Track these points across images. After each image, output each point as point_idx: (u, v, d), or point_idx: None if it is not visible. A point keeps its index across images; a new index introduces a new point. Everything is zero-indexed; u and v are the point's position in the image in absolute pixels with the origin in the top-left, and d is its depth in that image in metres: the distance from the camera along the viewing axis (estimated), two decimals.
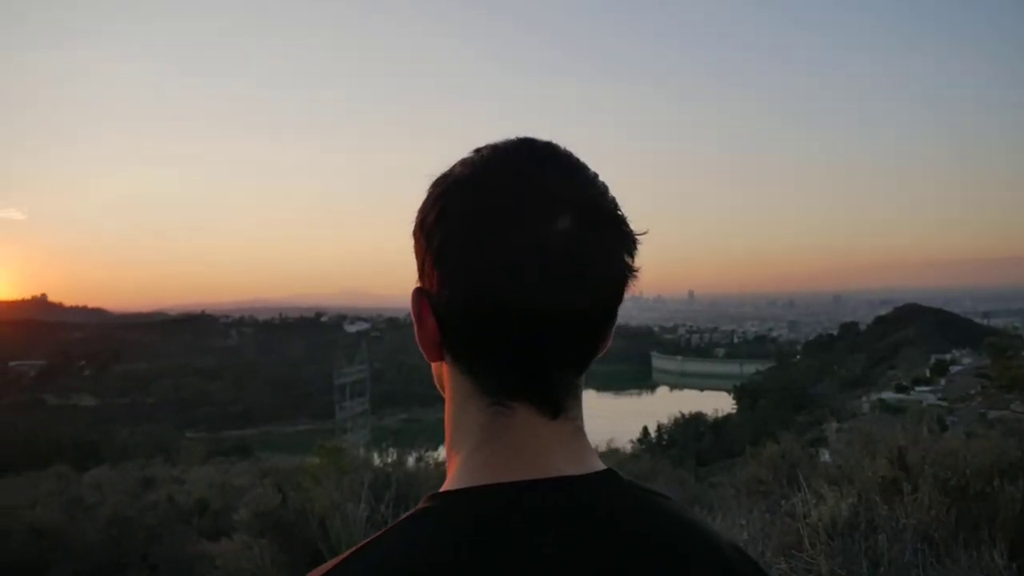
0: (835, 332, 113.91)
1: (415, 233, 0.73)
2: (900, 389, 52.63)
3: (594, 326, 0.72)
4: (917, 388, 51.72)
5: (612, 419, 56.85)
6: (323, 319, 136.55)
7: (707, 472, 19.64)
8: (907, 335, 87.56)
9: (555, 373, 0.71)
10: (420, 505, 0.69)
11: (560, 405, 0.72)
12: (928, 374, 59.13)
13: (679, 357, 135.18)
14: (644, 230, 0.74)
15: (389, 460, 9.53)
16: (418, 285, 0.74)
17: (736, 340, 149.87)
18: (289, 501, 6.58)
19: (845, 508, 3.66)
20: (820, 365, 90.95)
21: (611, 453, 12.97)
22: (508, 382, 0.71)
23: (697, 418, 62.96)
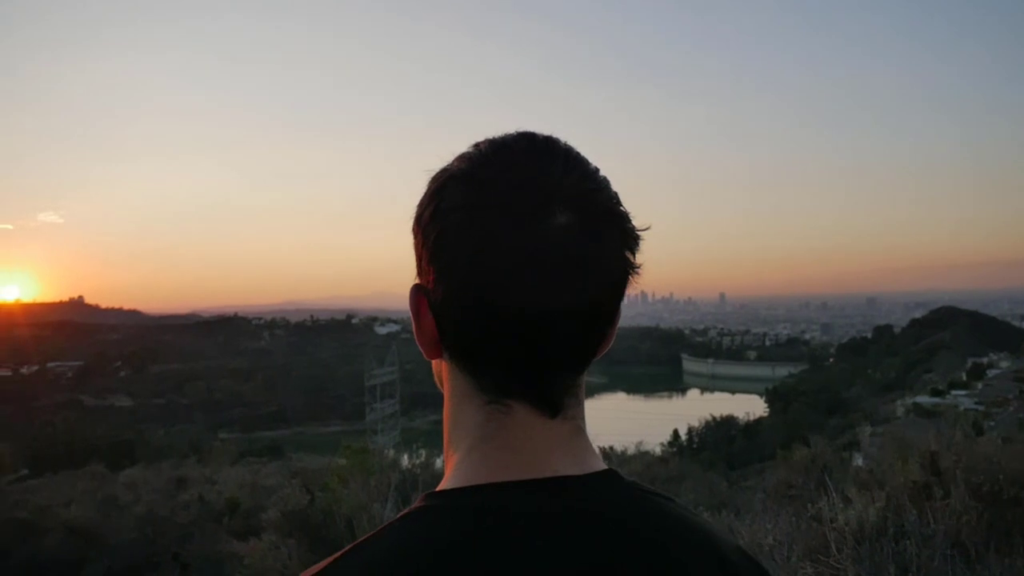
0: (869, 335, 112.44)
1: (413, 229, 0.72)
2: (936, 393, 51.69)
3: (594, 324, 0.70)
4: (953, 392, 50.77)
5: (642, 422, 56.53)
6: (354, 321, 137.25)
7: (738, 476, 19.46)
8: (943, 338, 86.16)
9: (553, 372, 0.70)
10: (415, 504, 0.68)
11: (559, 404, 0.71)
12: (965, 378, 58.04)
13: (710, 360, 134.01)
14: (646, 226, 0.72)
15: (417, 461, 9.59)
16: (416, 282, 0.73)
17: (768, 343, 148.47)
18: (317, 501, 6.62)
19: (873, 513, 3.60)
20: (854, 368, 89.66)
21: (640, 456, 12.90)
22: (505, 381, 0.69)
23: (728, 421, 62.34)
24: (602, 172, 0.73)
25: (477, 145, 0.72)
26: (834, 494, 3.91)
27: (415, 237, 0.72)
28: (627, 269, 0.71)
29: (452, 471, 0.71)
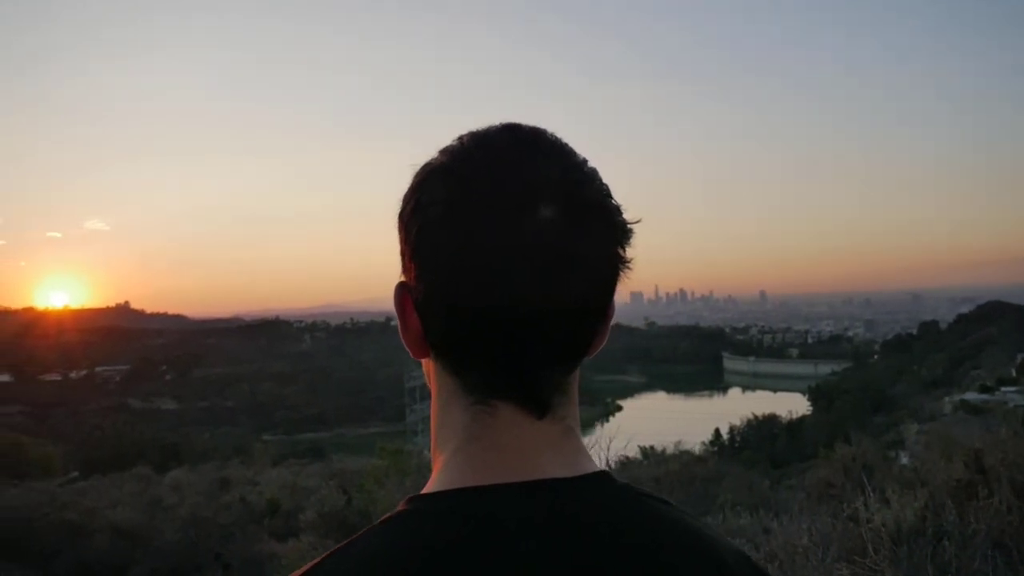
0: (914, 331, 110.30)
1: (397, 225, 0.70)
2: (984, 389, 50.53)
3: (582, 321, 0.67)
4: (1002, 388, 49.62)
5: (683, 421, 56.11)
6: (393, 323, 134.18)
7: (781, 475, 19.23)
8: (990, 333, 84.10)
9: (540, 371, 0.67)
10: (398, 508, 0.66)
11: (547, 404, 0.68)
12: (1014, 374, 56.68)
13: (751, 358, 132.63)
14: (637, 219, 0.69)
15: None
16: (401, 279, 0.70)
17: (810, 340, 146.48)
18: (353, 502, 6.68)
19: (910, 513, 3.53)
20: (899, 365, 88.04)
21: (678, 455, 12.81)
22: (490, 380, 0.67)
23: (770, 419, 61.65)
24: (590, 163, 0.70)
25: (460, 138, 0.70)
26: (871, 493, 3.85)
27: (399, 233, 0.69)
28: (616, 264, 0.68)
29: (437, 473, 0.69)
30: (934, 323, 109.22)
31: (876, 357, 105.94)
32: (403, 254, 0.69)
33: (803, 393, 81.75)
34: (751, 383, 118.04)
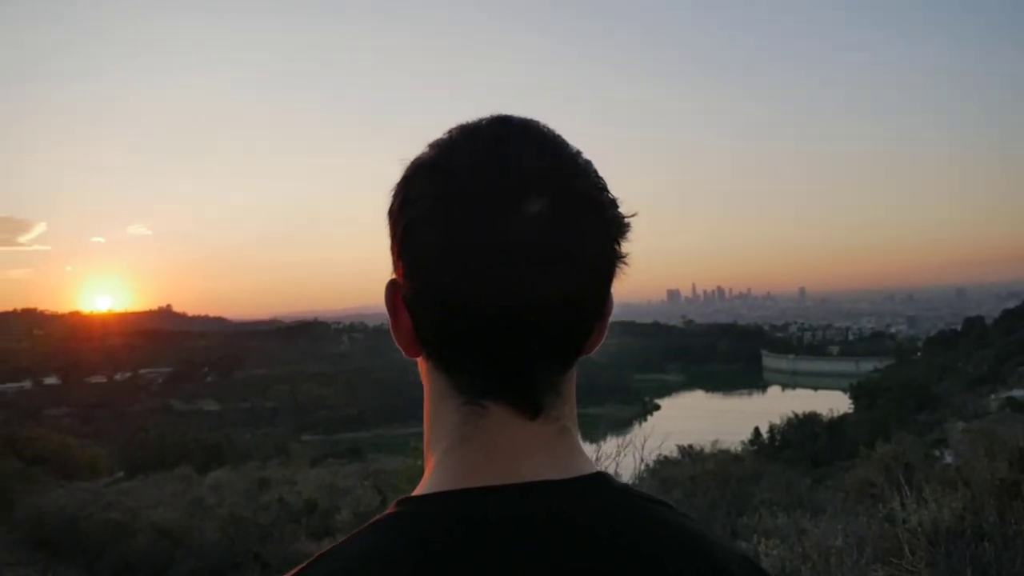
0: (959, 327, 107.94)
1: (388, 221, 0.68)
2: None
3: (575, 318, 0.65)
4: None
5: (722, 420, 55.63)
6: None
7: (822, 474, 18.97)
8: None
9: (532, 370, 0.65)
10: (388, 511, 0.65)
11: (539, 405, 0.66)
12: None
13: (791, 355, 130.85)
14: (632, 213, 0.67)
15: None
16: (392, 277, 0.69)
17: (851, 337, 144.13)
18: (388, 502, 6.73)
19: (948, 513, 3.45)
20: (943, 362, 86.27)
21: (715, 454, 12.70)
22: (481, 380, 0.65)
23: (811, 418, 60.87)
24: (585, 156, 0.68)
25: (450, 131, 0.67)
26: (908, 493, 3.77)
27: (389, 229, 0.68)
28: (610, 259, 0.66)
29: (428, 475, 0.67)
30: (979, 319, 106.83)
31: (919, 354, 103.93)
32: (392, 251, 0.67)
33: (844, 391, 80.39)
34: (791, 381, 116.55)
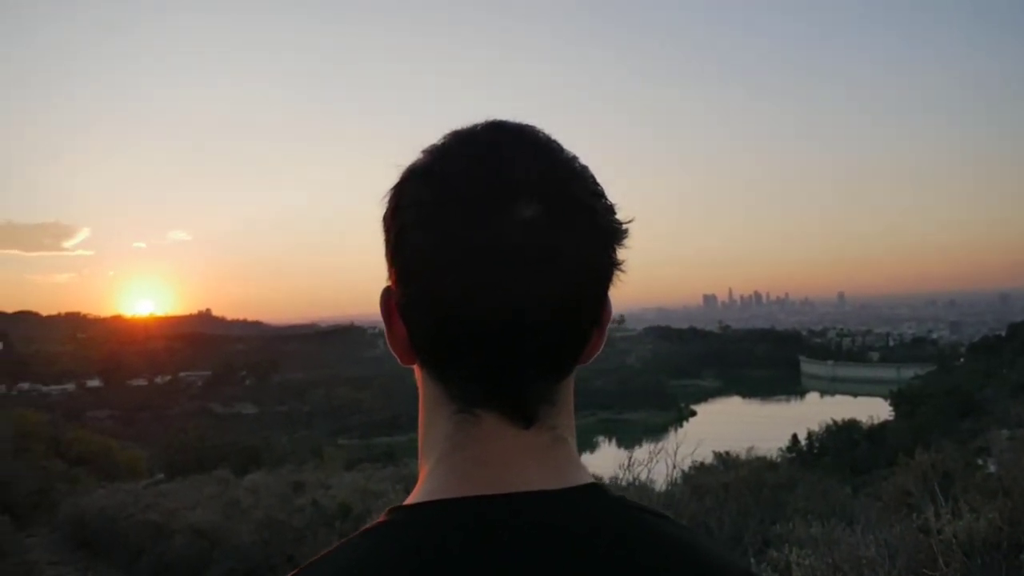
0: (1003, 333, 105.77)
1: (382, 228, 0.67)
2: None
3: (569, 327, 0.64)
4: None
5: (759, 426, 55.13)
6: None
7: (862, 482, 18.68)
8: None
9: (524, 379, 0.64)
10: (378, 519, 0.65)
11: (533, 414, 0.65)
12: None
13: (830, 362, 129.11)
14: (630, 218, 0.66)
15: None
16: (387, 284, 0.68)
17: (892, 343, 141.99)
18: None
19: (984, 524, 3.38)
20: (987, 368, 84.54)
21: (750, 461, 12.56)
22: (474, 389, 0.64)
23: (851, 425, 60.02)
24: (581, 161, 0.67)
25: (444, 137, 0.67)
26: (943, 503, 3.70)
27: (384, 235, 0.67)
28: (604, 265, 0.65)
29: (420, 484, 0.67)
30: None
31: (962, 360, 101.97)
32: (386, 257, 0.66)
33: (885, 398, 79.15)
34: (830, 387, 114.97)
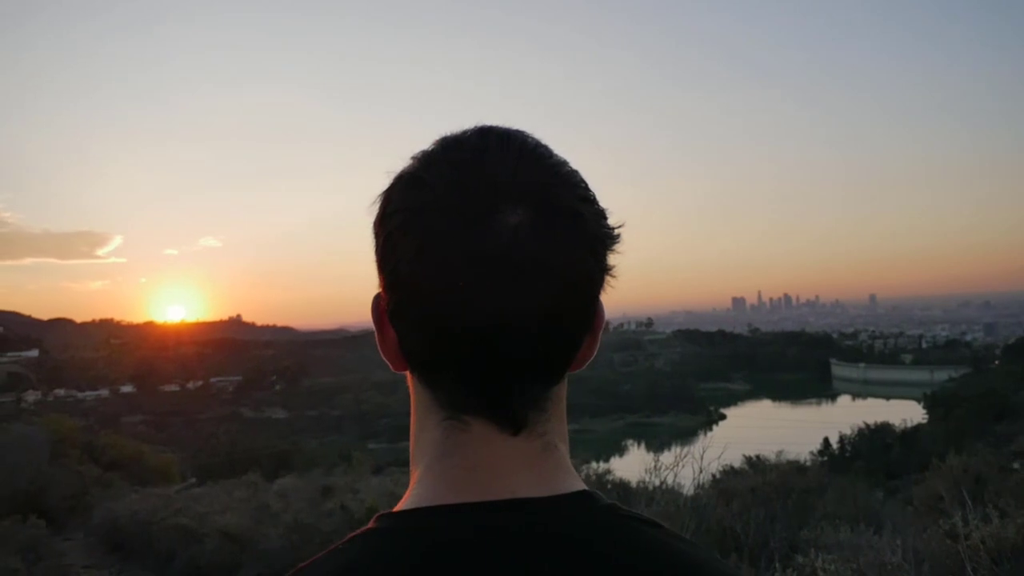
0: None
1: (373, 234, 0.67)
2: None
3: (556, 333, 0.63)
4: None
5: (790, 430, 54.57)
6: None
7: (896, 486, 18.44)
8: None
9: (512, 385, 0.63)
10: (368, 525, 0.65)
11: (522, 421, 0.64)
12: None
13: (861, 364, 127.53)
14: (620, 223, 0.66)
15: None
16: (379, 290, 0.68)
17: (924, 345, 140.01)
18: None
19: (1013, 530, 3.33)
20: (1022, 370, 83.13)
21: (779, 465, 12.46)
22: (462, 395, 0.64)
23: (884, 428, 59.23)
24: (571, 165, 0.66)
25: (433, 143, 0.67)
26: (971, 507, 3.65)
27: (373, 242, 0.67)
28: (591, 271, 0.64)
29: (410, 490, 0.67)
30: None
31: (997, 362, 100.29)
32: (376, 264, 0.66)
33: (918, 401, 78.11)
34: (861, 390, 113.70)
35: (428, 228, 0.61)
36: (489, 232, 0.60)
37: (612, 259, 0.66)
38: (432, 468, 0.66)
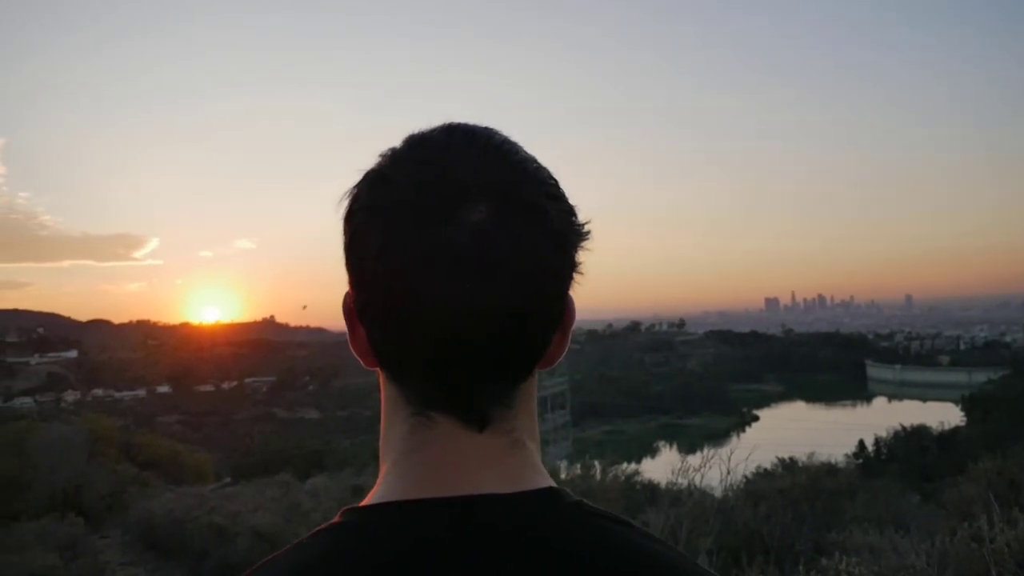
0: None
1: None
2: None
3: (520, 331, 0.62)
4: None
5: (824, 431, 54.05)
6: None
7: (932, 489, 18.18)
8: None
9: (475, 382, 0.63)
10: (333, 520, 0.65)
11: (487, 417, 0.65)
12: None
13: (897, 366, 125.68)
14: (587, 220, 0.66)
15: (576, 473, 9.63)
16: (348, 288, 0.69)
17: (962, 346, 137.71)
18: None
19: None
20: None
21: (809, 466, 12.36)
22: (428, 392, 0.65)
23: (920, 431, 58.36)
24: (539, 162, 0.66)
25: (402, 141, 0.67)
26: (997, 511, 3.60)
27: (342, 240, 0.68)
28: (557, 268, 0.64)
29: (376, 486, 0.68)
30: None
31: None
32: (344, 261, 0.67)
33: (956, 403, 76.85)
34: (897, 392, 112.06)
35: (392, 226, 0.61)
36: (451, 229, 0.60)
37: (581, 256, 0.66)
38: (398, 464, 0.67)
